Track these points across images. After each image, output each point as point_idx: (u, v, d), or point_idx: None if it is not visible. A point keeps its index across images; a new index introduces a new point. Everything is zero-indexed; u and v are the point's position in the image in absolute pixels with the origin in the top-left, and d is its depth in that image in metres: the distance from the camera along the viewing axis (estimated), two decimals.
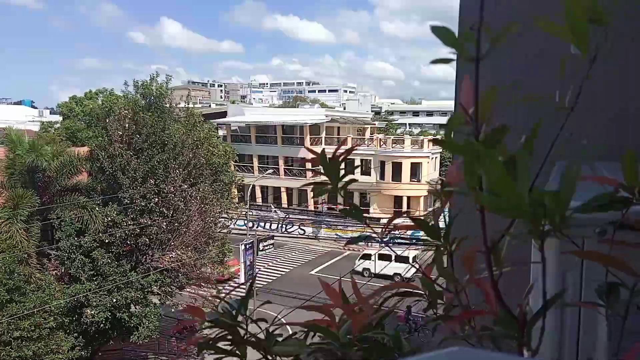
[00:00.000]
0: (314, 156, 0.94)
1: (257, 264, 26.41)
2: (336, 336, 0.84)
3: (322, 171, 0.92)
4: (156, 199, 17.64)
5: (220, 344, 0.88)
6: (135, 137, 18.00)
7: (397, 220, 1.05)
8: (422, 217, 0.91)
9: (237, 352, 0.85)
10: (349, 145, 1.32)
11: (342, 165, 0.96)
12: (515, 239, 0.59)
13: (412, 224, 0.82)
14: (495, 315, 0.73)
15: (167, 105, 20.49)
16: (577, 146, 1.36)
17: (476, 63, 0.48)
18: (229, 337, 0.86)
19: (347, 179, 0.93)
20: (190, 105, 24.03)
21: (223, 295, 1.10)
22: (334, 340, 0.84)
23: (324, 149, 0.95)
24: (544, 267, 0.59)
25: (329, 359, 0.84)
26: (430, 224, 0.77)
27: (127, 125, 18.06)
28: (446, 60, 0.55)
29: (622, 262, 0.68)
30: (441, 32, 0.47)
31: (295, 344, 0.90)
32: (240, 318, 0.89)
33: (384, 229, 1.04)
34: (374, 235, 1.05)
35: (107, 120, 18.70)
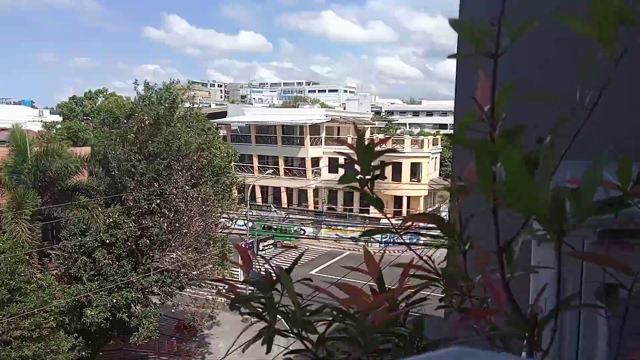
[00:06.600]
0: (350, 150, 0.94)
1: (256, 263, 26.34)
2: (362, 323, 0.83)
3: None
4: (158, 201, 17.62)
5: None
6: (149, 142, 18.04)
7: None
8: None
9: (266, 316, 0.86)
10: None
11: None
12: (532, 238, 0.58)
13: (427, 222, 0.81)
14: (507, 315, 0.72)
15: (181, 111, 20.53)
16: (576, 146, 1.34)
17: (495, 59, 0.47)
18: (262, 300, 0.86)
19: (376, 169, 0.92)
20: (197, 106, 23.93)
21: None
22: (359, 327, 0.84)
23: (360, 137, 0.93)
24: (559, 269, 0.58)
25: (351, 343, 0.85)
26: (445, 221, 0.76)
27: (145, 129, 18.14)
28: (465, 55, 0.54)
29: (620, 263, 0.67)
30: (460, 27, 0.46)
31: (327, 313, 0.90)
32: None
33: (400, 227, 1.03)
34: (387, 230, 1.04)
35: (127, 123, 18.76)
